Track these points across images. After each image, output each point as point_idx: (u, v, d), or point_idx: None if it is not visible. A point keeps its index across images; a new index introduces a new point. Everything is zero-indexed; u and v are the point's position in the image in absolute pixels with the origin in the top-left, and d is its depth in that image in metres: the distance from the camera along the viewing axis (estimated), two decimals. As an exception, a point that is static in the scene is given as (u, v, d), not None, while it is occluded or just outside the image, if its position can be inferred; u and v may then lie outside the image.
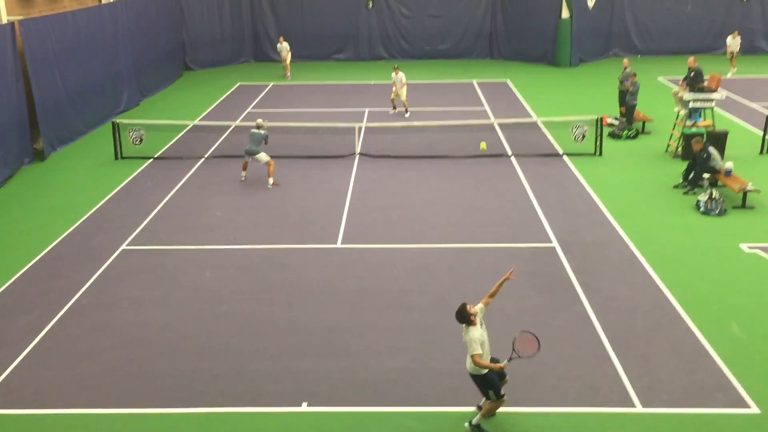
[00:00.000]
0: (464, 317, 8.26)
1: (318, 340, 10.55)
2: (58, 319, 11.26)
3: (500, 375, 8.52)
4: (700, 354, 10.02)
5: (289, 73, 30.83)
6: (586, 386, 9.35)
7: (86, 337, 10.74)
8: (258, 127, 17.51)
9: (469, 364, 8.34)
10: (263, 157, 17.23)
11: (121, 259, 13.39)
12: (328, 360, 10.05)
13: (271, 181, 17.14)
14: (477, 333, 8.20)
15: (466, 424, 8.60)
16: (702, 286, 11.99)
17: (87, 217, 15.43)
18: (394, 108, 24.03)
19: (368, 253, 13.49)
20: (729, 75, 28.78)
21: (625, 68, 21.92)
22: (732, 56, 29.58)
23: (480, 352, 8.15)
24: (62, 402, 9.23)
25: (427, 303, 11.55)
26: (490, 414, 8.61)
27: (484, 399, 8.61)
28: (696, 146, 16.19)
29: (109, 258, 13.38)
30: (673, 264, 12.77)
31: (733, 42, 29.49)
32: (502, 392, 8.45)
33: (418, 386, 9.40)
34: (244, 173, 17.59)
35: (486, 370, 8.29)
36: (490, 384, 8.38)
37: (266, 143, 17.44)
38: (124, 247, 13.89)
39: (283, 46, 30.72)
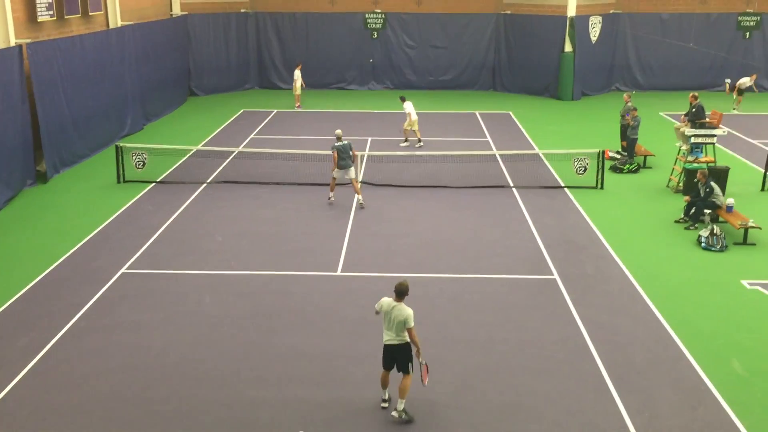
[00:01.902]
0: (406, 291, 9.16)
1: (317, 368, 10.48)
2: (56, 341, 11.20)
3: None
4: (700, 390, 9.95)
5: (299, 103, 30.45)
6: (587, 422, 9.26)
7: (84, 361, 10.68)
8: (339, 138, 17.47)
9: (397, 337, 9.15)
10: (353, 171, 17.48)
11: (120, 282, 13.36)
12: (327, 388, 9.98)
13: (360, 198, 17.49)
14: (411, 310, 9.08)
15: (394, 413, 9.22)
16: (703, 321, 11.94)
17: (87, 240, 15.43)
18: (407, 140, 23.85)
19: (369, 281, 13.46)
20: (735, 111, 28.91)
21: (627, 103, 22.07)
22: (740, 92, 29.40)
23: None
24: (58, 425, 9.15)
25: (428, 332, 11.45)
26: (406, 390, 9.23)
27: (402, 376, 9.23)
28: (701, 176, 16.30)
29: (108, 281, 13.35)
30: (675, 299, 12.73)
31: (748, 82, 29.56)
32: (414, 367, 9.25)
33: (417, 417, 9.31)
34: (332, 194, 17.73)
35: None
36: (410, 354, 9.24)
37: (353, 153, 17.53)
38: (123, 270, 13.87)
39: (298, 74, 30.28)
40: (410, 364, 9.26)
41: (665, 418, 9.32)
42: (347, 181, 17.82)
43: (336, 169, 17.43)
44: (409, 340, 9.17)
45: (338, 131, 17.81)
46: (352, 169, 17.51)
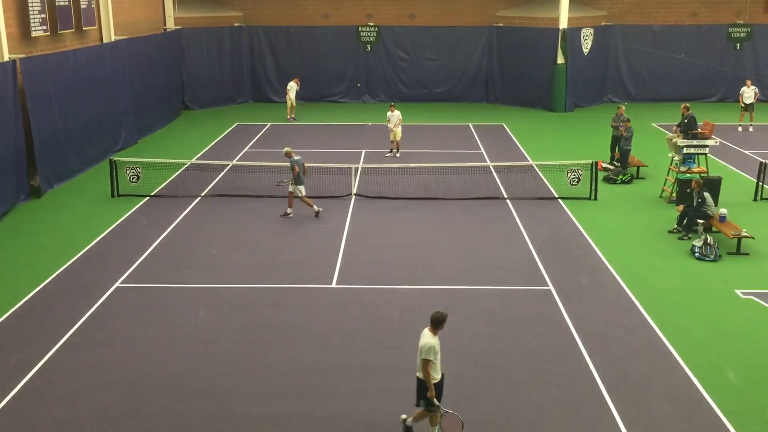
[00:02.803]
0: (441, 322, 8.69)
1: (312, 382, 10.45)
2: (50, 356, 11.15)
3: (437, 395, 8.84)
4: (696, 400, 9.96)
5: (293, 115, 30.57)
6: (583, 432, 9.26)
7: (78, 376, 10.62)
8: (288, 155, 17.61)
9: (420, 367, 8.72)
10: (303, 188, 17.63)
11: (114, 296, 13.32)
12: (322, 402, 9.95)
13: (316, 207, 17.63)
14: (437, 342, 8.64)
15: (403, 415, 9.20)
16: (698, 331, 11.96)
17: (81, 255, 15.39)
18: (391, 150, 24.22)
19: (363, 294, 13.45)
20: (750, 129, 27.76)
21: (620, 114, 22.12)
22: (751, 108, 27.60)
23: (433, 360, 8.57)
24: (51, 442, 9.10)
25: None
26: (419, 419, 9.02)
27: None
28: (695, 185, 16.39)
29: (102, 296, 13.31)
30: (669, 309, 12.76)
31: (747, 91, 27.63)
32: (433, 408, 8.76)
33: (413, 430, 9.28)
34: (291, 210, 17.75)
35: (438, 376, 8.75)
36: (423, 391, 8.77)
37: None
38: (118, 284, 13.83)
39: (293, 87, 30.45)
40: (422, 401, 8.77)
41: (661, 428, 9.32)
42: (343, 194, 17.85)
43: (291, 184, 17.54)
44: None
45: (287, 148, 17.93)
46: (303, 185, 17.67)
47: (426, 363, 8.53)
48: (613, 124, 22.22)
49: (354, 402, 9.94)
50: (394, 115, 23.83)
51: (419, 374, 8.75)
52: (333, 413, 9.68)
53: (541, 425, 9.42)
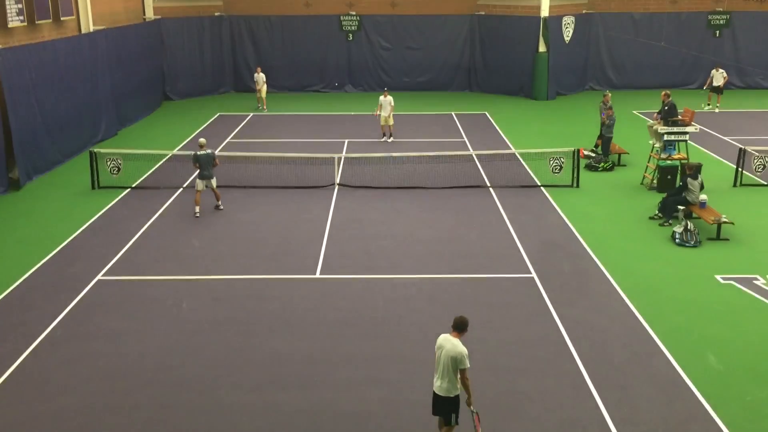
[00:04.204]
0: (465, 325, 8.15)
1: (297, 372, 10.46)
2: (32, 351, 11.06)
3: None
4: (677, 385, 10.07)
5: (264, 106, 30.48)
6: (566, 418, 9.34)
7: (61, 370, 10.56)
8: (201, 146, 17.16)
9: (446, 385, 8.13)
10: (214, 181, 17.27)
11: (96, 289, 13.23)
12: (308, 392, 9.96)
13: (219, 202, 17.38)
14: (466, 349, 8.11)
15: None
16: (678, 317, 12.09)
17: (62, 247, 15.26)
18: (384, 135, 24.63)
19: (347, 283, 13.46)
20: (716, 110, 29.05)
21: (607, 102, 22.04)
22: (717, 91, 29.32)
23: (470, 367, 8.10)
24: (34, 436, 9.04)
25: (407, 333, 11.52)
26: None
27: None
28: (688, 168, 16.57)
29: (84, 289, 13.22)
30: (650, 295, 12.88)
31: (717, 75, 29.32)
32: (457, 420, 8.42)
33: (398, 419, 9.33)
34: (198, 208, 17.12)
35: (458, 392, 8.22)
36: (457, 406, 8.28)
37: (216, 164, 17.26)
38: (99, 277, 13.73)
39: (260, 77, 30.53)
40: (454, 416, 8.25)
41: (643, 412, 9.42)
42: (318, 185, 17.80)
43: (198, 180, 17.04)
44: (460, 388, 8.14)
45: (202, 140, 17.48)
46: (214, 179, 17.20)
47: (466, 371, 8.05)
48: (602, 111, 22.14)
49: (339, 391, 9.96)
50: (387, 101, 24.03)
51: (442, 394, 8.17)
52: (319, 403, 9.70)
53: (524, 411, 9.49)
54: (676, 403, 9.64)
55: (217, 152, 21.60)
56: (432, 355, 8.61)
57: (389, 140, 24.40)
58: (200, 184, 16.99)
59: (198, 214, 16.99)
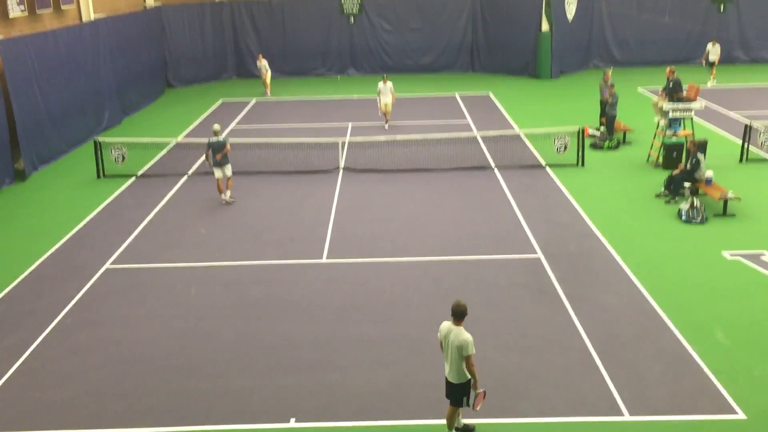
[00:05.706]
0: (465, 312, 8.22)
1: (305, 355, 10.52)
2: (42, 339, 11.16)
3: None
4: (685, 361, 10.09)
5: (269, 91, 30.62)
6: (575, 396, 9.38)
7: (71, 358, 10.65)
8: (215, 133, 16.82)
9: (455, 371, 8.25)
10: (230, 168, 16.95)
11: (105, 278, 13.30)
12: (316, 375, 10.02)
13: (229, 194, 17.01)
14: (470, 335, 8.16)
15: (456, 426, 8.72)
16: (686, 293, 12.09)
17: (70, 237, 15.33)
18: (387, 122, 24.13)
19: (354, 267, 13.50)
20: (709, 85, 29.14)
21: (607, 79, 21.99)
22: (713, 65, 29.70)
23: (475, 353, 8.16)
24: (48, 424, 9.13)
25: (414, 315, 11.56)
26: (458, 415, 8.65)
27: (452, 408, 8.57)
28: (691, 146, 16.52)
29: (92, 277, 13.29)
30: (657, 272, 12.87)
31: (713, 50, 29.60)
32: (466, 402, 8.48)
33: (407, 400, 9.39)
34: (223, 195, 16.96)
35: (468, 377, 8.28)
36: (468, 390, 8.35)
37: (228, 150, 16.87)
38: (107, 266, 13.80)
39: (263, 64, 30.56)
40: (465, 398, 8.35)
41: (651, 388, 9.46)
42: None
43: (215, 168, 16.78)
44: (467, 374, 8.22)
45: (216, 126, 17.05)
46: (229, 165, 16.84)
47: (471, 357, 8.10)
48: (603, 89, 22.10)
49: (348, 373, 10.02)
50: (387, 87, 23.58)
51: (453, 381, 8.29)
52: (327, 386, 9.76)
53: (533, 390, 9.53)
54: (684, 379, 9.66)
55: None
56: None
57: (386, 126, 23.85)
58: (217, 172, 16.89)
59: (226, 201, 16.90)
